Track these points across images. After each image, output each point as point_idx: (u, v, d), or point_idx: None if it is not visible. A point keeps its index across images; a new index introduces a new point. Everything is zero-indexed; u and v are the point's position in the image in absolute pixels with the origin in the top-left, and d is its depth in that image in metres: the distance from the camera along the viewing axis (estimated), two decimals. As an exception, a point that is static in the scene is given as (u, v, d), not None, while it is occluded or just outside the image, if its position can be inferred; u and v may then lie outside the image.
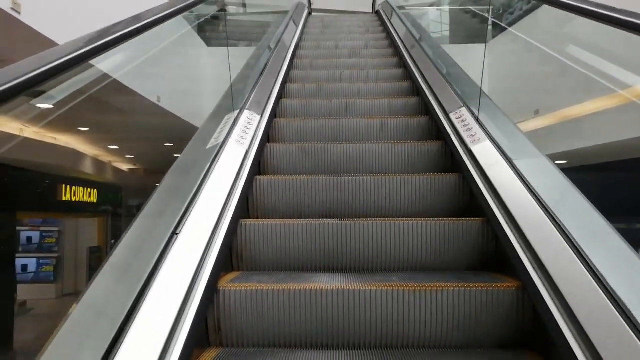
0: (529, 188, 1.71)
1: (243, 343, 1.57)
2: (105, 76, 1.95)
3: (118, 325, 1.16)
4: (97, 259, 9.15)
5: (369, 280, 1.62)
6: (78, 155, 7.62)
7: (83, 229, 9.59)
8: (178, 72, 4.94)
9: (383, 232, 1.91)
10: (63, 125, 5.78)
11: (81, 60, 1.38)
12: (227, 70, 3.37)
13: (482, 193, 1.93)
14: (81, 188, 8.14)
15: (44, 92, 1.41)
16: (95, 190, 8.66)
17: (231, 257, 1.96)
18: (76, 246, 9.27)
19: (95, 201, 8.71)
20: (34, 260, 8.88)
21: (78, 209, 8.24)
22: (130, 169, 10.46)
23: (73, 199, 7.87)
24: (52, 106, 1.57)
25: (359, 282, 1.60)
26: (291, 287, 1.57)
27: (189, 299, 1.38)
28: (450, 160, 2.53)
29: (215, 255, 1.61)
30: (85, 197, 8.30)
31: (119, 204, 9.78)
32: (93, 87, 1.89)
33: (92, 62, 1.57)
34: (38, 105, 1.48)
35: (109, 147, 8.49)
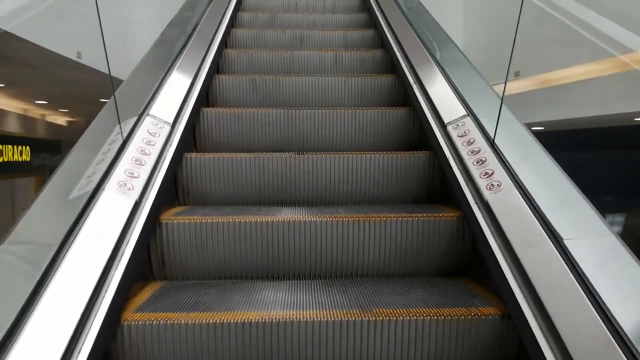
0: (478, 124, 1.74)
1: (188, 276, 1.59)
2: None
3: (48, 259, 1.13)
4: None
5: (316, 213, 1.64)
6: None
7: (19, 189, 9.12)
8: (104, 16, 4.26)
9: (332, 166, 1.93)
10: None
11: None
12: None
13: (431, 126, 1.95)
14: (10, 147, 7.59)
15: None
16: (28, 148, 8.14)
17: (177, 193, 1.93)
18: (12, 209, 8.82)
19: (28, 159, 8.19)
20: (-34, 225, 8.42)
21: (8, 169, 7.70)
22: (68, 122, 9.94)
23: (1, 159, 7.35)
24: None
25: (305, 214, 1.63)
26: (237, 220, 1.58)
27: (127, 231, 1.37)
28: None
29: (157, 187, 1.58)
30: (16, 156, 7.78)
31: (60, 159, 9.24)
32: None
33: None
34: None
35: (37, 102, 8.10)
